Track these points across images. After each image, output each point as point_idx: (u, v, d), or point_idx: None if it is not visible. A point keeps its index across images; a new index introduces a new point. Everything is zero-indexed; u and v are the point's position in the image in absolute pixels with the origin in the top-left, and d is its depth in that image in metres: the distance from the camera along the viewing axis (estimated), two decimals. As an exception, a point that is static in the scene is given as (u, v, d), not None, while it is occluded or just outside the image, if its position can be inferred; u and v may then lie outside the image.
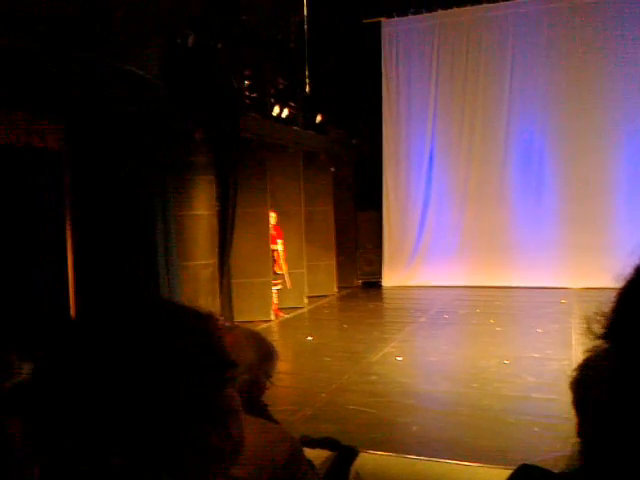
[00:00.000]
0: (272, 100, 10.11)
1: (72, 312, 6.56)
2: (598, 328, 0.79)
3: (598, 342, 0.80)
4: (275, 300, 10.20)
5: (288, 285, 10.40)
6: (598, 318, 0.80)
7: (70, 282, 6.56)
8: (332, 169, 12.60)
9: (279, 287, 10.28)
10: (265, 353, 2.19)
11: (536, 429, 4.98)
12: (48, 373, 0.73)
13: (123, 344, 0.72)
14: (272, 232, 10.14)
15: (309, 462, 1.50)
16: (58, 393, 0.70)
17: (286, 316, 10.28)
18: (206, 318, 0.81)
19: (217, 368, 0.78)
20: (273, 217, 10.18)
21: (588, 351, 0.79)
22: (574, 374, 0.99)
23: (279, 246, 10.29)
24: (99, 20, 5.74)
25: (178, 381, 0.72)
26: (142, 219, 6.77)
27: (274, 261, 10.14)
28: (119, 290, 5.83)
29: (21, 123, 5.85)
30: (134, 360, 0.71)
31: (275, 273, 10.15)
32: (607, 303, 0.81)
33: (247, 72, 9.27)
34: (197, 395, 0.74)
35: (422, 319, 9.81)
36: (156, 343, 0.74)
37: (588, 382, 0.80)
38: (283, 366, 7.45)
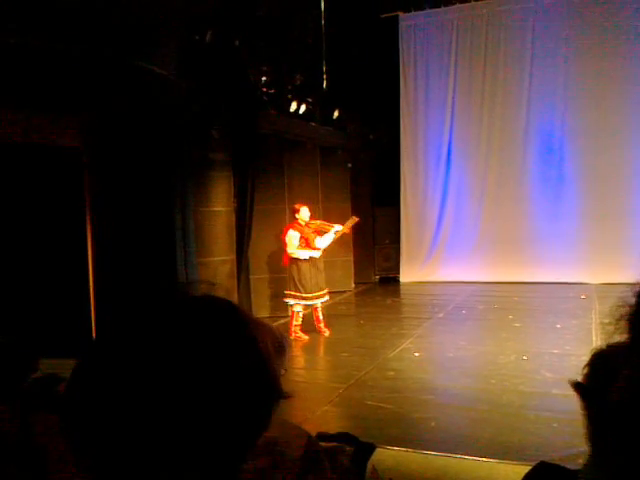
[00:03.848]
0: (290, 96, 10.11)
1: (92, 309, 6.63)
2: (624, 323, 0.77)
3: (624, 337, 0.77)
4: (320, 314, 8.46)
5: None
6: (623, 313, 0.77)
7: (90, 279, 6.62)
8: (349, 165, 12.59)
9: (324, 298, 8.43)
10: (277, 346, 2.19)
11: (555, 425, 4.95)
12: (95, 374, 0.71)
13: (176, 348, 0.70)
14: (309, 234, 8.19)
15: (332, 458, 1.50)
16: (106, 396, 0.68)
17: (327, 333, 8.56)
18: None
19: (270, 397, 0.76)
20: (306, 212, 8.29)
21: (596, 351, 0.77)
22: (581, 378, 0.95)
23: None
24: (117, 18, 5.77)
25: (228, 398, 0.70)
26: (161, 216, 6.82)
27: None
28: (138, 286, 5.87)
29: (41, 122, 5.91)
30: (185, 368, 0.69)
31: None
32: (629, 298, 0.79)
33: (264, 68, 9.27)
34: (245, 422, 0.72)
35: (440, 315, 9.77)
36: (212, 351, 0.71)
37: (601, 384, 0.77)
38: (300, 362, 7.47)
